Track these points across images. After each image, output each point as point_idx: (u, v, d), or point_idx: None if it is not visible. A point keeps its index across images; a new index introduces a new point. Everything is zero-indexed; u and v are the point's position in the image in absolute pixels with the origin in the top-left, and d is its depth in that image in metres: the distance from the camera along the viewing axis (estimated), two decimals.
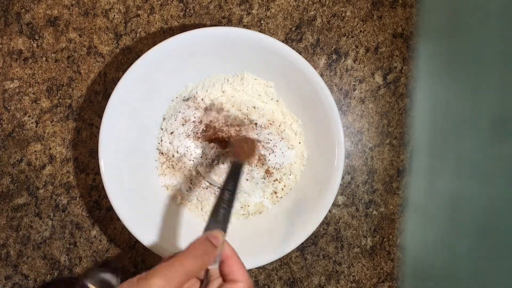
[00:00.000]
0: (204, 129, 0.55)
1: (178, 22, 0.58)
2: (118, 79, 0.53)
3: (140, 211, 0.53)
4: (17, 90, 0.58)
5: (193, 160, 0.54)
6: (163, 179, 0.56)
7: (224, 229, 0.43)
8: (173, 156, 0.55)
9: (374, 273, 0.58)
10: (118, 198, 0.52)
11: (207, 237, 0.41)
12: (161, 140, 0.56)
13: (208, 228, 0.42)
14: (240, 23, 0.58)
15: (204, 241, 0.41)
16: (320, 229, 0.58)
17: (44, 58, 0.58)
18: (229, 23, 0.58)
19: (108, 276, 0.55)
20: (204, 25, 0.58)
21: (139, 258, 0.58)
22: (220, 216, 0.43)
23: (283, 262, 0.58)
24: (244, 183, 0.55)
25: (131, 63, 0.52)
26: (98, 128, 0.57)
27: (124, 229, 0.58)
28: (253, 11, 0.58)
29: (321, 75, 0.58)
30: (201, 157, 0.54)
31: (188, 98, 0.56)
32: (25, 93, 0.58)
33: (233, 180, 0.46)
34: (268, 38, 0.52)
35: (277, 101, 0.56)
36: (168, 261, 0.38)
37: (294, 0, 0.58)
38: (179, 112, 0.55)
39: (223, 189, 0.45)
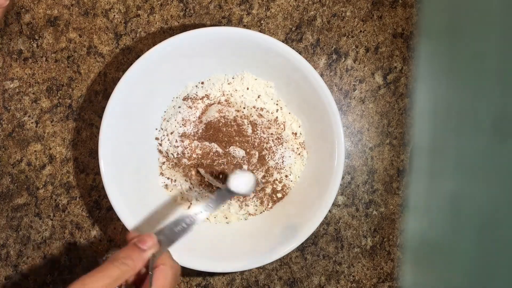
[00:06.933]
0: (204, 129, 0.55)
1: (178, 22, 0.58)
2: (118, 79, 0.53)
3: (140, 211, 0.53)
4: (17, 90, 0.58)
5: (193, 160, 0.54)
6: (163, 179, 0.56)
7: (171, 240, 0.42)
8: (173, 156, 0.55)
9: (374, 273, 0.58)
10: (118, 198, 0.52)
11: (134, 242, 0.40)
12: (161, 140, 0.56)
13: (157, 232, 0.42)
14: (240, 23, 0.58)
15: (129, 246, 0.40)
16: (320, 229, 0.58)
17: (44, 58, 0.58)
18: (229, 23, 0.58)
19: None
20: (204, 25, 0.58)
21: None
22: (178, 228, 0.43)
23: (283, 262, 0.58)
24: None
25: (131, 63, 0.52)
26: (98, 128, 0.57)
27: (124, 229, 0.58)
28: (253, 11, 0.58)
29: (321, 75, 0.58)
30: (201, 157, 0.54)
31: (188, 98, 0.56)
32: (25, 93, 0.58)
33: (216, 202, 0.46)
34: (269, 38, 0.52)
35: (277, 101, 0.56)
36: (92, 270, 0.37)
37: (294, 0, 0.58)
38: (179, 112, 0.55)
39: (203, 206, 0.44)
